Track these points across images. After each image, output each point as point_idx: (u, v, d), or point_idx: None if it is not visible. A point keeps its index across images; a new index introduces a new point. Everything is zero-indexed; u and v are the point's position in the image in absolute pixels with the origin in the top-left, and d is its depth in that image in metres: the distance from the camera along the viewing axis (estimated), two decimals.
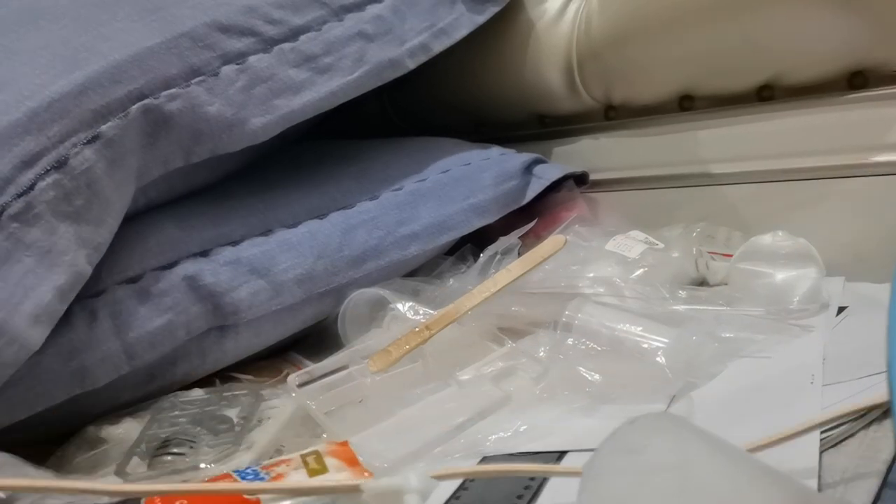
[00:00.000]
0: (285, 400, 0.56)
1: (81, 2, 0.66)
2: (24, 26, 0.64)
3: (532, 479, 0.43)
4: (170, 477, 0.48)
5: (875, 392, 0.42)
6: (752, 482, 0.32)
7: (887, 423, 0.43)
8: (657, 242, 0.69)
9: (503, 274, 0.61)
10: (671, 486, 0.32)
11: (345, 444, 0.45)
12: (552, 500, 0.41)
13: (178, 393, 0.60)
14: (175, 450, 0.52)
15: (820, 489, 0.38)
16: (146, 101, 0.59)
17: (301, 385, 0.56)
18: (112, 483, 0.46)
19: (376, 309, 0.64)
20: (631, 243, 0.68)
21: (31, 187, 0.52)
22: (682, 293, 0.61)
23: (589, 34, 0.84)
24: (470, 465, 0.45)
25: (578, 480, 0.33)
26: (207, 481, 0.42)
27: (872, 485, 0.38)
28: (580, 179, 0.86)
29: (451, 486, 0.43)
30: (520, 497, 0.41)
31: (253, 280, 0.64)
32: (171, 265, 0.61)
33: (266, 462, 0.45)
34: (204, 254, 0.63)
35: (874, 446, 0.42)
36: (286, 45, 0.68)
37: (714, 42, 0.76)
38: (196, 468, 0.49)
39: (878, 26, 0.68)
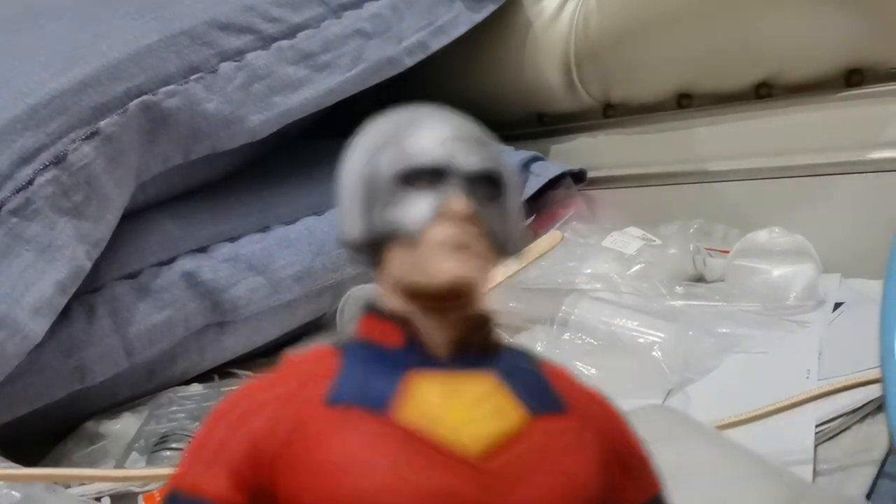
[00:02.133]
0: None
1: (81, 0, 0.66)
2: (24, 24, 0.64)
3: None
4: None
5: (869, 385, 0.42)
6: (748, 474, 0.32)
7: (881, 418, 0.43)
8: (654, 239, 0.69)
9: (500, 270, 0.61)
10: (668, 476, 0.32)
11: None
12: None
13: (177, 388, 0.60)
14: (174, 445, 0.52)
15: (814, 480, 0.39)
16: (145, 98, 0.59)
17: None
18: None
19: None
20: (628, 240, 0.68)
21: (30, 183, 0.52)
22: (679, 289, 0.61)
23: (587, 32, 0.84)
24: None
25: None
26: None
27: (867, 476, 0.38)
28: (578, 177, 0.87)
29: None
30: None
31: (251, 276, 0.64)
32: (169, 261, 0.62)
33: None
34: (202, 250, 0.64)
35: (868, 440, 0.42)
36: (284, 43, 0.69)
37: (712, 40, 0.76)
38: None
39: (875, 24, 0.68)
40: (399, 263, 0.19)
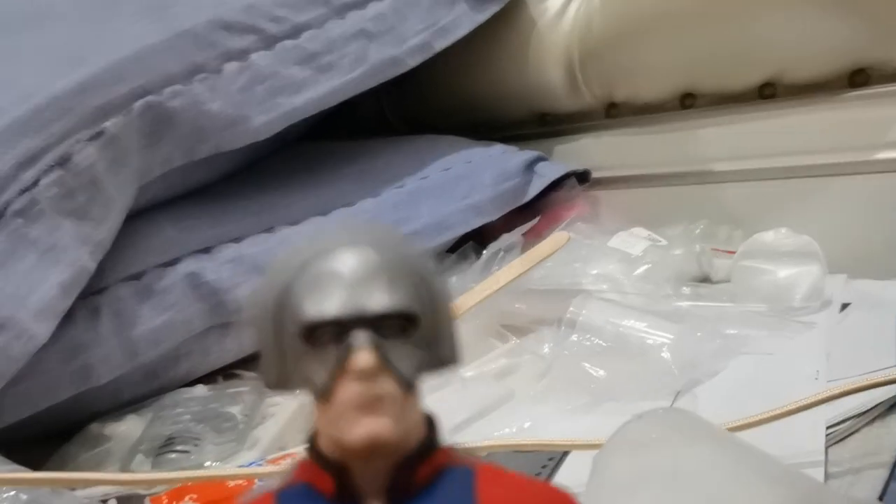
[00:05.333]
0: (288, 397, 0.56)
1: (84, 2, 0.66)
2: (28, 26, 0.64)
3: (543, 466, 0.43)
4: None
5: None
6: (760, 476, 0.32)
7: (890, 420, 0.43)
8: (660, 239, 0.69)
9: (505, 271, 0.61)
10: (680, 478, 0.32)
11: None
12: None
13: (181, 390, 0.60)
14: (179, 448, 0.52)
15: (825, 483, 0.38)
16: (148, 99, 0.59)
17: None
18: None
19: None
20: (634, 240, 0.68)
21: (34, 184, 0.52)
22: (686, 290, 0.61)
23: (590, 32, 0.84)
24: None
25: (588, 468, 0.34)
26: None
27: (879, 478, 0.38)
28: (582, 177, 0.86)
29: None
30: None
31: (254, 278, 0.64)
32: (173, 262, 0.61)
33: (270, 457, 0.45)
34: (206, 251, 0.63)
35: (879, 442, 0.42)
36: (288, 43, 0.68)
37: (715, 40, 0.76)
38: (200, 467, 0.49)
39: (879, 24, 0.68)
40: (318, 417, 0.18)
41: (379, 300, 0.17)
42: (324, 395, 0.18)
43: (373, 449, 0.17)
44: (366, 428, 0.17)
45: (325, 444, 0.18)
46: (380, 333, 0.17)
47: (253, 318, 0.19)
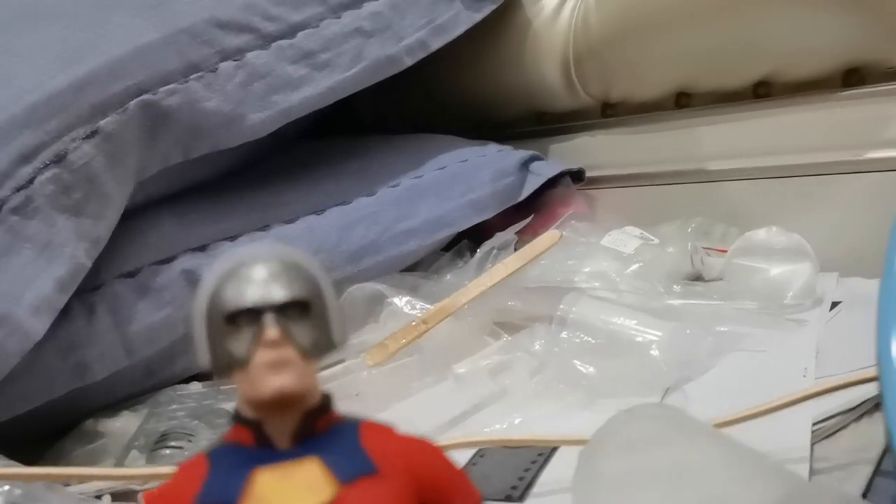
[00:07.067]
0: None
1: (81, 1, 0.66)
2: (24, 25, 0.64)
3: (533, 462, 0.43)
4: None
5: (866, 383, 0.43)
6: (746, 472, 0.32)
7: (877, 416, 0.43)
8: (652, 238, 0.69)
9: (499, 269, 0.61)
10: (666, 474, 0.32)
11: None
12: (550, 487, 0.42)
13: (176, 386, 0.60)
14: (173, 443, 0.52)
15: (811, 479, 0.39)
16: (145, 97, 0.59)
17: None
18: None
19: (373, 304, 0.65)
20: (626, 238, 0.68)
21: (31, 181, 0.52)
22: (678, 288, 0.61)
23: (586, 31, 0.84)
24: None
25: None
26: None
27: (864, 474, 0.39)
28: (577, 176, 0.87)
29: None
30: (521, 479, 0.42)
31: None
32: (169, 260, 0.62)
33: None
34: (202, 249, 0.64)
35: (865, 438, 0.42)
36: (284, 42, 0.69)
37: (711, 39, 0.76)
38: None
39: (874, 23, 0.68)
40: (241, 384, 0.24)
41: (280, 292, 0.23)
42: (244, 364, 0.23)
43: (281, 398, 0.23)
44: (275, 382, 0.23)
45: (244, 410, 0.24)
46: (283, 316, 0.23)
47: (192, 315, 0.24)
